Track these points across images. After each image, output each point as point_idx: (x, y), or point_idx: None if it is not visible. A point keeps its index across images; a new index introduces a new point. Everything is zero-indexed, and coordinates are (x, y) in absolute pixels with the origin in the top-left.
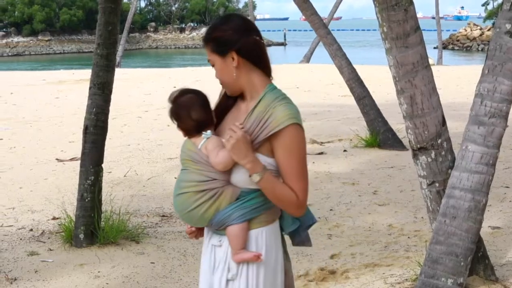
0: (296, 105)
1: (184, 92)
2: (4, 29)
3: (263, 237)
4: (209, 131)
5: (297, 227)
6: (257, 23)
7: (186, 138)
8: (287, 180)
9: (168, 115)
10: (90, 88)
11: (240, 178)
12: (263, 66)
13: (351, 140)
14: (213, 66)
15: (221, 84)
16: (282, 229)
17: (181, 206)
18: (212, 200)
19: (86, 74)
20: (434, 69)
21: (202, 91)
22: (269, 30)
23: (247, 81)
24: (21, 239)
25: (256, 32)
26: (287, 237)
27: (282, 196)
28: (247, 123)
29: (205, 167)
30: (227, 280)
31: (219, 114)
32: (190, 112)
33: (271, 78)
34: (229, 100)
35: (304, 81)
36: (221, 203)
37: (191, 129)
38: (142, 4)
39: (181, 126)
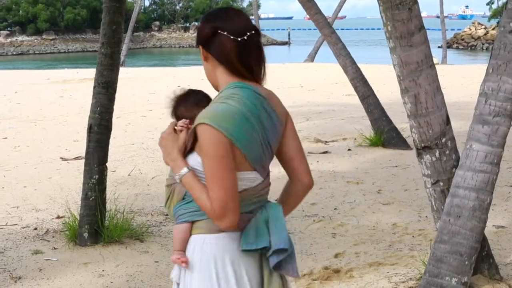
0: (236, 108)
1: (182, 92)
2: (8, 28)
3: (202, 245)
4: None
5: (263, 248)
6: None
7: None
8: (207, 185)
9: None
10: (94, 87)
11: None
12: (226, 64)
13: (355, 139)
14: None
15: None
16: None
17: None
18: (171, 196)
19: (90, 73)
20: (439, 68)
21: (202, 91)
22: (273, 29)
23: (214, 77)
24: (25, 237)
25: (230, 28)
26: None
27: (199, 202)
28: None
29: None
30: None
31: None
32: (176, 109)
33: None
34: None
35: (309, 80)
36: (174, 200)
37: None
38: (147, 3)
39: None
